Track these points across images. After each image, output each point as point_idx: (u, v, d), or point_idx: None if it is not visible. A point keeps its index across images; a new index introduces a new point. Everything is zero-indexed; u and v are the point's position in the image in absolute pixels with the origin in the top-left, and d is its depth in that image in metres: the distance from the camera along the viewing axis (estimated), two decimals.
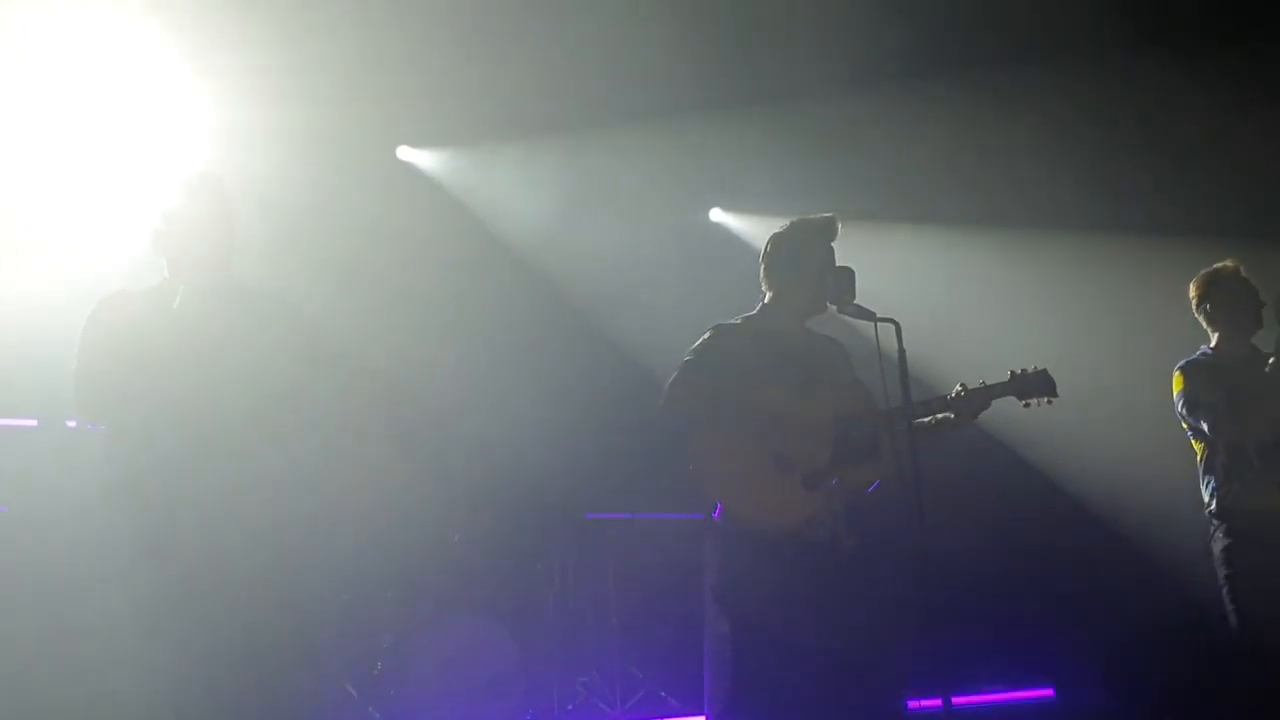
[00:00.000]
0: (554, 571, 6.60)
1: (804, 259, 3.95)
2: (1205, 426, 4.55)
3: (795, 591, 3.66)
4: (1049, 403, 3.88)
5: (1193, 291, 4.79)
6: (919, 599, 3.49)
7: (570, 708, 6.48)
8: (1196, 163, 6.88)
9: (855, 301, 3.83)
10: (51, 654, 5.45)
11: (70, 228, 5.90)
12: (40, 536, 5.62)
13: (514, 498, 6.67)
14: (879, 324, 3.71)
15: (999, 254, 7.56)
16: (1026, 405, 3.89)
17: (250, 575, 3.35)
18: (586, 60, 6.52)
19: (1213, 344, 4.75)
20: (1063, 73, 6.70)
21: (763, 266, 4.06)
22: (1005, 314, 7.37)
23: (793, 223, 4.04)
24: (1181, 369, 4.68)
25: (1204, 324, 4.78)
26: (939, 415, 3.87)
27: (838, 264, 3.93)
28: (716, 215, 8.06)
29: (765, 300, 4.06)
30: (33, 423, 5.99)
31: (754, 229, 7.74)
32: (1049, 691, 7.41)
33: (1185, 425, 4.67)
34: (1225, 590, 4.52)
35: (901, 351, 3.68)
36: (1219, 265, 4.77)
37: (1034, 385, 3.87)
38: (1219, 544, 4.55)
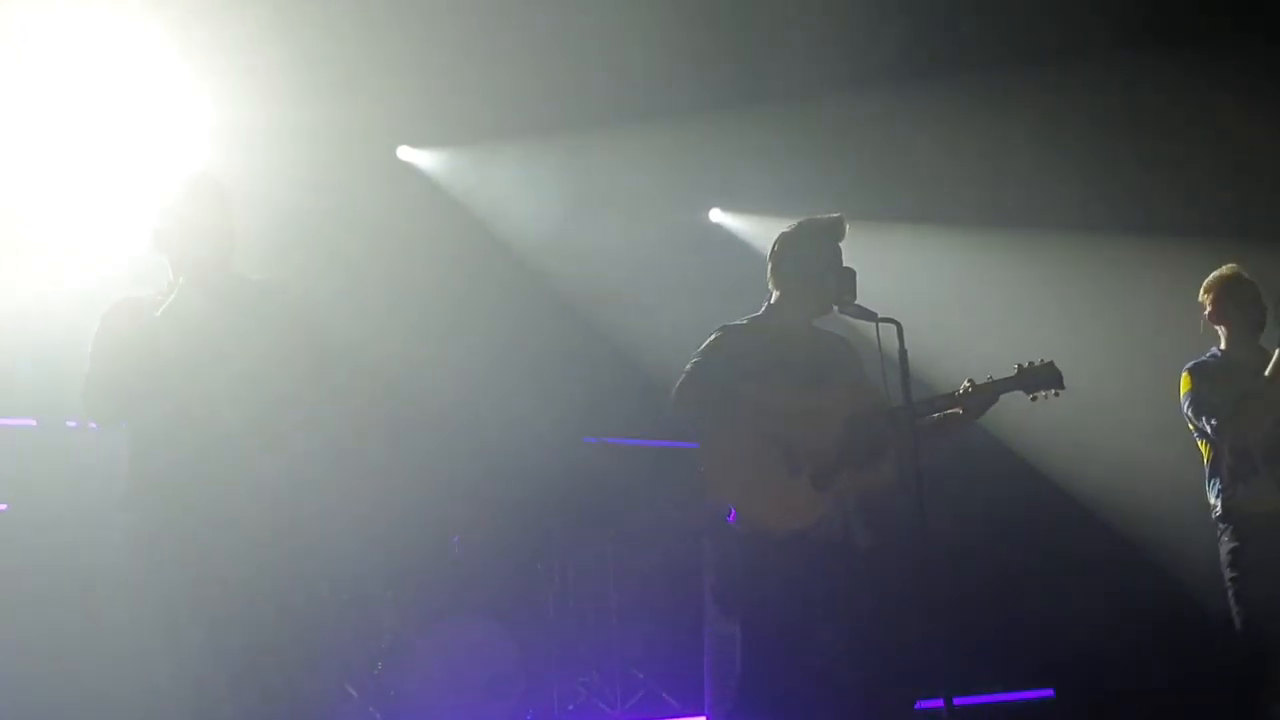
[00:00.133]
0: (554, 571, 6.60)
1: (811, 259, 3.94)
2: (1211, 428, 4.52)
3: (805, 591, 3.66)
4: (1055, 395, 3.85)
5: (1203, 295, 4.74)
6: (920, 599, 3.49)
7: (570, 708, 6.48)
8: (1196, 163, 6.88)
9: (856, 302, 3.83)
10: (51, 654, 5.45)
11: (70, 228, 5.90)
12: (40, 536, 5.63)
13: (514, 498, 6.67)
14: (880, 324, 3.70)
15: (999, 254, 7.55)
16: (1034, 399, 3.87)
17: (252, 578, 3.35)
18: (586, 60, 6.52)
19: (1223, 346, 4.71)
20: (1062, 73, 6.69)
21: (770, 266, 4.05)
22: (1005, 314, 7.36)
23: (800, 223, 4.03)
24: (1190, 370, 4.64)
25: (1215, 327, 4.72)
26: (946, 411, 3.86)
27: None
28: (716, 215, 8.05)
29: (772, 300, 4.05)
30: (33, 423, 5.99)
31: (754, 229, 7.74)
32: (1049, 691, 7.41)
33: (1191, 427, 4.63)
34: (1231, 592, 4.49)
35: (903, 352, 3.68)
36: (1226, 269, 4.73)
37: (1041, 378, 3.85)
38: (1225, 546, 4.52)
